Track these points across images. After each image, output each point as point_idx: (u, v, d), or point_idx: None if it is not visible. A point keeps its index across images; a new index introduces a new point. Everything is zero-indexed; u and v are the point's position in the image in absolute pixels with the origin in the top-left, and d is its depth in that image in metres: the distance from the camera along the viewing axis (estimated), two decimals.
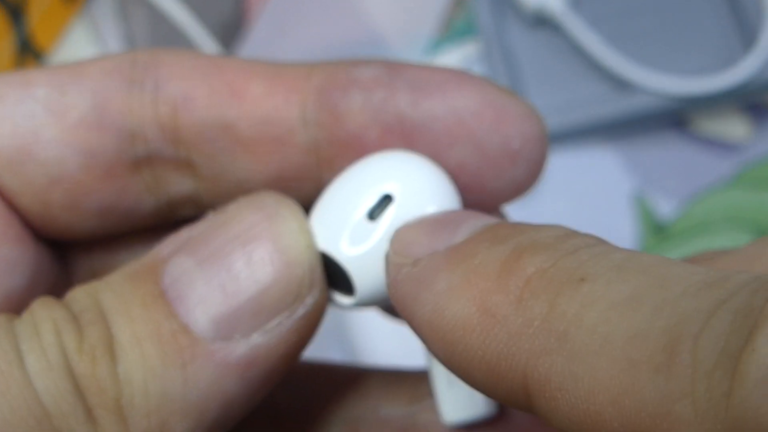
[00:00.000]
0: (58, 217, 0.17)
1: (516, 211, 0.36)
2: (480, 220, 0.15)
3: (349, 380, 0.19)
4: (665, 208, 0.36)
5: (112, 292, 0.15)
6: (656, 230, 0.36)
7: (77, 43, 0.40)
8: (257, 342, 0.15)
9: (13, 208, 0.17)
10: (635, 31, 0.39)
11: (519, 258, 0.13)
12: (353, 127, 0.16)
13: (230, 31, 0.41)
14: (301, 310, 0.15)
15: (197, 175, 0.17)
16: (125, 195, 0.17)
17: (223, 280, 0.15)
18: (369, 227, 0.16)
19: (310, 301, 0.15)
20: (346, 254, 0.16)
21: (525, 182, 0.17)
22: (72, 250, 0.18)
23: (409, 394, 0.19)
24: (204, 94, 0.16)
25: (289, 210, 0.16)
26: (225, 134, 0.17)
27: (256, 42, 0.39)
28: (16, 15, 0.37)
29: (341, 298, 0.16)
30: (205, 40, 0.40)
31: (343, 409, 0.19)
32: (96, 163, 0.17)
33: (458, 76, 0.16)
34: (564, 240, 0.13)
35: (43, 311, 0.15)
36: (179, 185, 0.17)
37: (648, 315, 0.11)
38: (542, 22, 0.39)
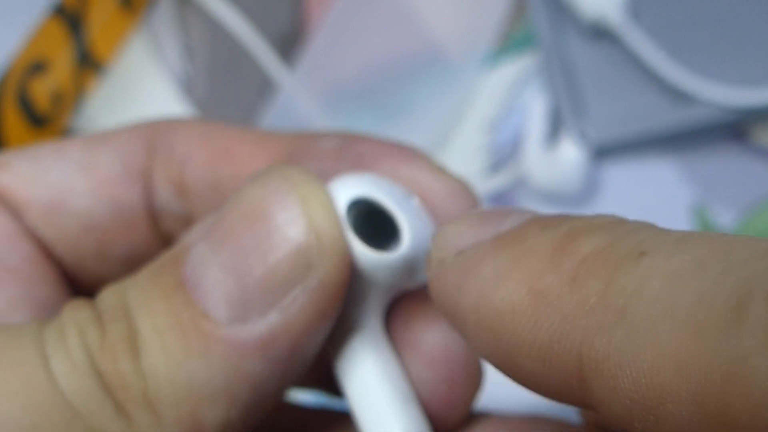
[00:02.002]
0: (88, 264, 0.18)
1: None
2: (528, 213, 0.15)
3: (334, 421, 0.19)
4: (725, 219, 0.36)
5: (136, 288, 0.15)
6: None
7: (137, 55, 0.41)
8: (275, 320, 0.15)
9: (50, 256, 0.18)
10: (695, 42, 0.39)
11: (574, 240, 0.13)
12: None
13: (289, 42, 0.41)
14: (314, 282, 0.15)
15: None
16: (146, 246, 0.19)
17: (235, 262, 0.15)
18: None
19: (321, 271, 0.15)
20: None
21: None
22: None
23: None
24: (204, 155, 0.18)
25: (295, 180, 0.16)
26: (216, 191, 0.18)
27: (315, 54, 0.40)
28: (76, 26, 0.38)
29: (383, 255, 0.16)
30: (264, 52, 0.40)
31: None
32: (122, 214, 0.18)
33: (399, 151, 0.17)
34: (620, 223, 0.13)
35: (70, 314, 0.15)
36: None
37: (714, 279, 0.11)
38: (601, 33, 0.39)
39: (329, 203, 0.16)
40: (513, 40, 0.41)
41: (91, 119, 0.40)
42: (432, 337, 0.17)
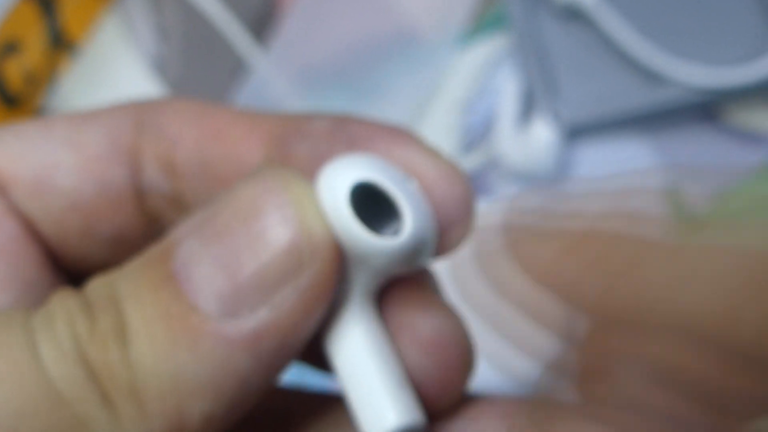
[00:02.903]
0: (74, 244, 0.18)
1: (539, 201, 0.37)
2: None
3: (328, 404, 0.19)
4: (697, 199, 0.36)
5: (126, 279, 0.16)
6: (688, 222, 0.36)
7: (109, 35, 0.41)
8: (264, 316, 0.15)
9: (35, 235, 0.18)
10: (667, 23, 0.39)
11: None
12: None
13: (262, 22, 0.41)
14: (304, 281, 0.15)
15: (187, 210, 0.18)
16: (132, 226, 0.19)
17: (226, 259, 0.15)
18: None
19: (312, 270, 0.15)
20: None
21: (449, 244, 0.17)
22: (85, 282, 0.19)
23: None
24: (194, 135, 0.18)
25: (288, 181, 0.16)
26: (207, 171, 0.18)
27: (289, 34, 0.40)
28: (48, 7, 0.38)
29: (383, 241, 0.16)
30: (237, 32, 0.40)
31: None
32: (108, 193, 0.18)
33: (392, 133, 0.17)
34: None
35: (59, 302, 0.15)
36: (173, 219, 0.18)
37: None
38: (574, 15, 0.39)
39: (320, 204, 0.16)
40: (486, 20, 0.41)
41: (64, 99, 0.40)
42: (427, 323, 0.17)
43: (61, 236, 0.18)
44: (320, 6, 0.41)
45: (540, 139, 0.37)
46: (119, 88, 0.40)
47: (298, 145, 0.18)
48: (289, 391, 0.19)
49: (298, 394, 0.19)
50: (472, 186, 0.17)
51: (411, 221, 0.16)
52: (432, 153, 0.17)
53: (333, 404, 0.18)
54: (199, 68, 0.41)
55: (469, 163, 0.39)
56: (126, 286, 0.15)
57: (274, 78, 0.40)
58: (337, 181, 0.16)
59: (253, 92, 0.40)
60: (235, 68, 0.41)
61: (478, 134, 0.40)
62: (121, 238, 0.19)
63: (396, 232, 0.16)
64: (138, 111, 0.19)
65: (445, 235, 0.17)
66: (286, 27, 0.40)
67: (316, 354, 0.18)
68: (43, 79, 0.39)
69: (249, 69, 0.41)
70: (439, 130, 0.40)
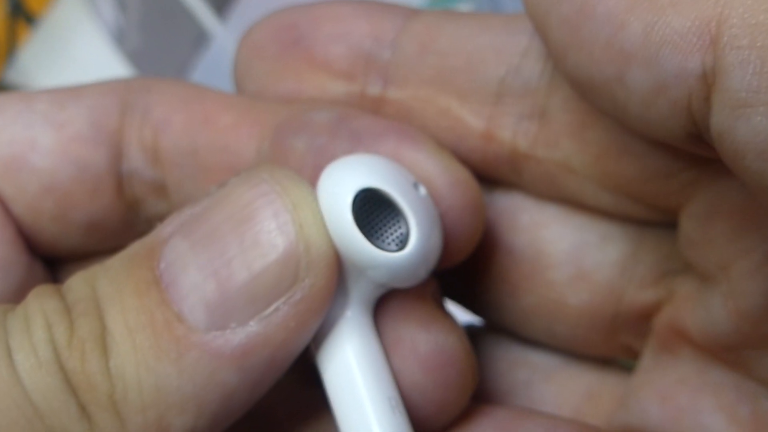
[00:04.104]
0: (47, 228, 0.18)
1: None
2: None
3: (314, 407, 0.18)
4: None
5: (107, 279, 0.15)
6: None
7: (69, 7, 0.40)
8: (254, 330, 0.15)
9: (7, 215, 0.18)
10: None
11: None
12: (292, 164, 0.16)
13: None
14: (299, 294, 0.15)
15: (169, 199, 0.18)
16: (110, 212, 0.18)
17: (216, 265, 0.15)
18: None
19: (308, 283, 0.15)
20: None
21: (455, 254, 0.17)
22: (59, 269, 0.17)
23: None
24: (181, 120, 0.18)
25: (285, 185, 0.15)
26: (192, 160, 0.17)
27: (247, 5, 0.39)
28: None
29: (386, 255, 0.15)
30: (197, 3, 0.39)
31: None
32: (86, 176, 0.18)
33: (397, 129, 0.17)
34: None
35: (36, 303, 0.15)
36: (154, 207, 0.18)
37: None
38: None
39: (320, 210, 0.15)
40: None
41: (22, 72, 0.39)
42: (428, 339, 0.16)
43: (34, 218, 0.18)
44: None
45: None
46: (79, 61, 0.39)
47: (294, 137, 0.17)
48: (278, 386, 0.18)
49: (282, 390, 0.18)
50: (482, 193, 0.17)
51: (417, 234, 0.15)
52: (442, 156, 0.16)
53: (319, 407, 0.18)
54: (159, 39, 0.40)
55: None
56: (108, 288, 0.15)
57: (234, 49, 0.39)
58: (340, 187, 0.15)
59: (213, 63, 0.39)
60: (196, 39, 0.40)
61: None
62: (97, 224, 0.18)
63: (398, 238, 0.16)
64: (124, 90, 0.18)
65: (451, 244, 0.16)
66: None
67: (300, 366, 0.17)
68: (1, 52, 0.39)
69: (208, 40, 0.40)
70: None
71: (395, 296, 0.16)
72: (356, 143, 0.16)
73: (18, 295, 0.16)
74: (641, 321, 0.17)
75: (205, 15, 0.39)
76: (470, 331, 0.18)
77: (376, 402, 0.15)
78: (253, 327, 0.14)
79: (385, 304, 0.16)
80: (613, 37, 0.13)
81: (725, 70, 0.12)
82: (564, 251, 0.18)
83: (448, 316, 0.17)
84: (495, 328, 0.19)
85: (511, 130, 0.17)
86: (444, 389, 0.16)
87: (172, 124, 0.18)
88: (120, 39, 0.40)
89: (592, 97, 0.14)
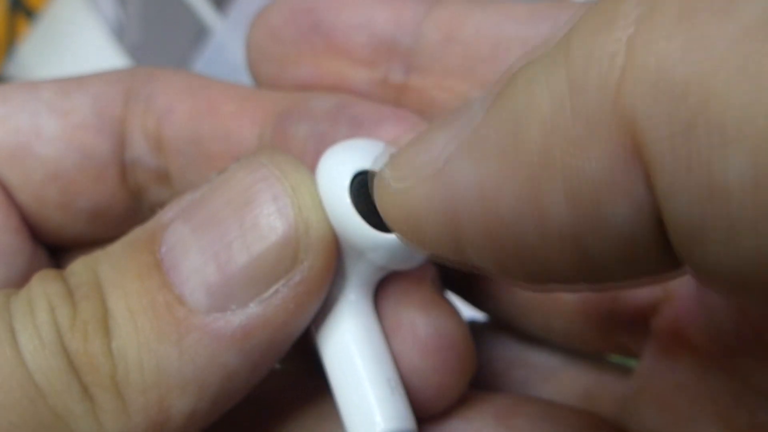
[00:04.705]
0: (51, 216, 0.18)
1: None
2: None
3: (311, 393, 0.19)
4: None
5: (109, 263, 0.15)
6: None
7: (69, 2, 0.40)
8: (254, 312, 0.15)
9: (12, 203, 0.18)
10: None
11: None
12: (294, 151, 0.16)
13: None
14: (298, 276, 0.15)
15: (172, 186, 0.18)
16: (114, 200, 0.18)
17: (216, 249, 0.15)
18: None
19: (307, 265, 0.15)
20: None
21: None
22: (63, 257, 0.17)
23: None
24: (185, 109, 0.18)
25: (285, 169, 0.15)
26: (195, 147, 0.17)
27: (248, 0, 0.39)
28: None
29: (384, 236, 0.15)
30: (198, 1, 0.40)
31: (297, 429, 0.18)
32: (91, 164, 0.18)
33: (397, 115, 0.17)
34: None
35: (39, 287, 0.15)
36: (158, 194, 0.18)
37: None
38: None
39: (318, 194, 0.15)
40: None
41: (22, 66, 0.40)
42: (428, 323, 0.16)
43: (38, 206, 0.18)
44: None
45: None
46: (79, 55, 0.40)
47: (296, 124, 0.17)
48: (274, 370, 0.19)
49: (283, 374, 0.19)
50: None
51: None
52: None
53: (319, 391, 0.18)
54: (159, 34, 0.40)
55: None
56: (110, 272, 0.15)
57: (232, 43, 0.39)
58: (338, 170, 0.15)
59: (212, 57, 0.40)
60: (196, 34, 0.40)
61: None
62: (101, 212, 0.18)
63: None
64: (129, 79, 0.18)
65: None
66: None
67: (300, 351, 0.17)
68: (1, 45, 0.39)
69: (208, 34, 0.40)
70: None
71: (395, 280, 0.16)
72: (356, 129, 0.16)
73: (22, 282, 0.16)
74: (638, 320, 0.17)
75: (204, 9, 0.39)
76: (471, 327, 0.18)
77: (375, 383, 0.15)
78: (253, 309, 0.14)
79: (385, 288, 0.16)
80: None
81: None
82: None
83: (447, 302, 0.17)
84: (495, 325, 0.19)
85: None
86: (443, 373, 0.16)
87: (175, 113, 0.18)
88: (120, 33, 0.40)
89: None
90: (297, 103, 0.17)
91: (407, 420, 0.16)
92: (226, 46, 0.40)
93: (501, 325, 0.19)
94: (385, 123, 0.17)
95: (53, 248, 0.18)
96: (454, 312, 0.17)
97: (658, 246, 0.11)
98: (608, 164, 0.11)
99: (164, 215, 0.15)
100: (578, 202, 0.11)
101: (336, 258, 0.15)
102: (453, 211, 0.12)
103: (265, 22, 0.18)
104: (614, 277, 0.12)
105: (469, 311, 0.18)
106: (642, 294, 0.17)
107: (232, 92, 0.18)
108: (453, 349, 0.16)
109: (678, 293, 0.17)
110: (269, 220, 0.14)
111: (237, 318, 0.14)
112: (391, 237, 0.15)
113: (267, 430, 0.18)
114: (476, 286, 0.18)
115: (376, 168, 0.15)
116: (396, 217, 0.14)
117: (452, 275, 0.18)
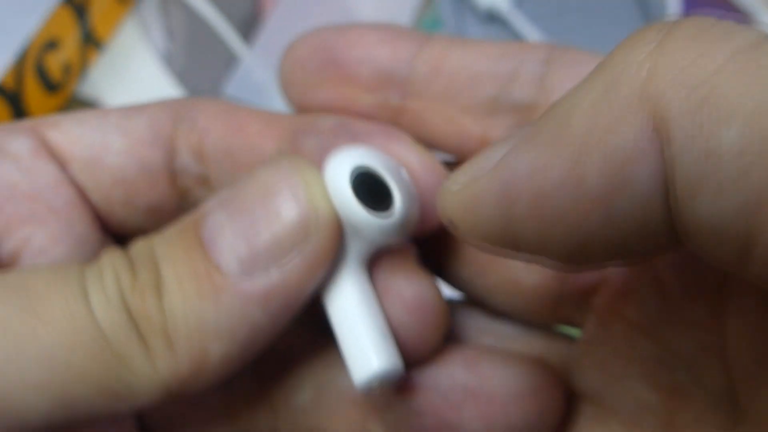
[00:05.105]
0: (117, 212, 0.18)
1: None
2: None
3: (320, 347, 0.19)
4: None
5: (162, 242, 0.16)
6: None
7: (129, 35, 0.42)
8: (275, 276, 0.15)
9: (87, 202, 0.18)
10: (564, 25, 0.41)
11: None
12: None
13: (249, 25, 0.42)
14: (309, 249, 0.15)
15: (211, 188, 0.18)
16: (165, 199, 0.19)
17: (246, 229, 0.15)
18: None
19: (315, 240, 0.15)
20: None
21: (428, 222, 0.17)
22: (125, 244, 0.18)
23: None
24: (220, 128, 0.18)
25: (300, 168, 0.16)
26: (229, 158, 0.18)
27: (269, 34, 0.41)
28: (81, 12, 0.39)
29: (378, 220, 0.16)
30: (228, 33, 0.41)
31: (307, 376, 0.19)
32: (147, 172, 0.18)
33: (384, 130, 0.17)
34: None
35: (107, 258, 0.15)
36: (200, 195, 0.18)
37: None
38: (493, 18, 0.41)
39: (325, 186, 0.16)
40: (424, 22, 0.43)
41: (92, 86, 0.41)
42: (411, 288, 0.17)
43: (107, 204, 0.18)
44: (294, 12, 0.42)
45: None
46: (136, 78, 0.41)
47: (307, 139, 0.17)
48: (292, 329, 0.19)
49: (299, 332, 0.19)
50: (445, 173, 0.17)
51: (400, 201, 0.16)
52: (419, 148, 0.17)
53: (326, 346, 0.18)
54: (199, 62, 0.41)
55: None
56: (163, 248, 0.15)
57: (257, 70, 0.40)
58: (341, 166, 0.16)
59: (241, 81, 0.40)
60: (227, 62, 0.41)
61: None
62: (156, 209, 0.19)
63: (386, 208, 0.16)
64: (176, 107, 0.18)
65: (425, 214, 0.17)
66: (267, 28, 0.42)
67: (311, 317, 0.18)
68: (76, 70, 0.40)
69: (238, 62, 0.41)
70: None
71: (385, 256, 0.17)
72: (353, 141, 0.17)
73: None
74: (582, 298, 0.17)
75: (235, 42, 0.41)
76: (449, 303, 0.18)
77: (371, 332, 0.16)
78: (274, 274, 0.15)
79: (378, 262, 0.17)
80: None
81: None
82: None
83: (426, 272, 0.17)
84: (468, 302, 0.19)
85: (502, 135, 0.17)
86: (423, 327, 0.17)
87: (213, 131, 0.18)
88: (168, 60, 0.41)
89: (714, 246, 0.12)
90: (307, 123, 0.18)
91: (397, 362, 0.16)
92: (252, 71, 0.41)
93: (473, 302, 0.19)
94: (375, 135, 0.17)
95: (118, 237, 0.19)
96: (432, 280, 0.17)
97: (664, 211, 0.12)
98: (635, 137, 0.11)
99: (205, 205, 0.16)
100: (610, 168, 0.12)
101: (339, 236, 0.16)
102: (507, 192, 0.12)
103: (292, 54, 0.18)
104: (628, 249, 0.12)
105: (447, 291, 0.18)
106: (585, 278, 0.17)
107: (256, 115, 0.18)
108: (431, 308, 0.17)
109: (613, 279, 0.17)
110: (287, 206, 0.15)
111: (261, 281, 0.15)
112: (383, 218, 0.16)
113: (285, 375, 0.18)
114: (453, 271, 0.19)
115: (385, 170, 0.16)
116: (456, 211, 0.14)
117: (436, 263, 0.18)
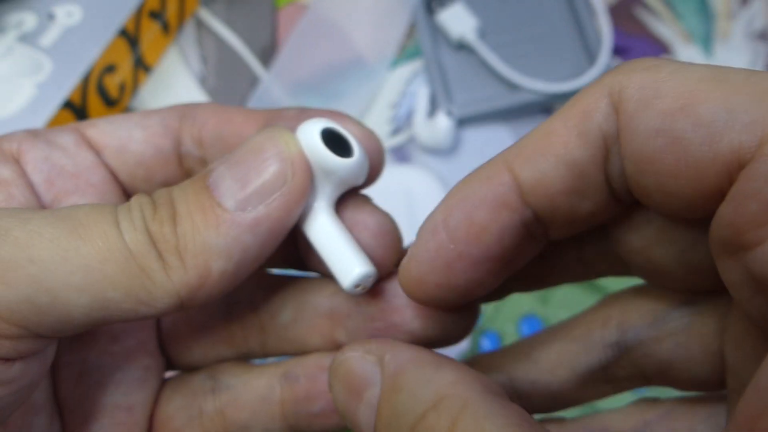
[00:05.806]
0: (139, 186, 0.20)
1: (440, 165, 0.37)
2: None
3: (294, 282, 0.20)
4: None
5: (178, 188, 0.17)
6: None
7: (171, 61, 0.45)
8: (262, 210, 0.16)
9: (116, 180, 0.20)
10: (520, 52, 0.44)
11: None
12: None
13: (267, 53, 0.45)
14: (287, 189, 0.16)
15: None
16: (175, 176, 0.20)
17: (241, 177, 0.16)
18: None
19: (292, 182, 0.16)
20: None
21: (374, 172, 0.19)
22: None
23: (333, 288, 0.20)
24: (214, 121, 0.20)
25: (281, 133, 0.17)
26: (221, 142, 0.20)
27: (283, 60, 0.44)
28: (133, 43, 0.43)
29: (344, 160, 0.17)
30: (251, 59, 0.45)
31: (288, 300, 0.20)
32: (161, 156, 0.20)
33: (337, 112, 0.19)
34: None
35: (135, 198, 0.17)
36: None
37: None
38: (462, 47, 0.45)
39: (300, 145, 0.17)
40: (407, 51, 0.46)
41: (142, 102, 0.44)
42: (372, 218, 0.18)
43: (131, 181, 0.20)
44: (304, 42, 0.44)
45: (441, 125, 0.42)
46: (177, 95, 0.44)
47: (277, 123, 0.19)
48: (277, 276, 0.21)
49: (282, 277, 0.21)
50: (381, 140, 0.20)
51: (358, 150, 0.17)
52: (359, 123, 0.19)
53: (303, 278, 0.20)
54: (227, 82, 0.44)
55: (397, 140, 0.43)
56: (179, 192, 0.17)
57: (274, 88, 0.43)
58: (313, 127, 0.17)
59: (261, 97, 0.43)
60: (250, 82, 0.44)
61: (402, 122, 0.44)
62: (168, 184, 0.20)
63: (346, 156, 0.17)
64: (181, 109, 0.20)
65: (371, 163, 0.19)
66: (282, 55, 0.44)
67: (295, 259, 0.20)
68: (129, 88, 0.43)
69: (258, 82, 0.44)
70: (379, 119, 0.44)
71: (347, 198, 0.18)
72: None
73: None
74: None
75: (256, 66, 0.44)
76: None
77: (348, 245, 0.17)
78: (261, 209, 0.16)
79: (342, 203, 0.18)
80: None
81: None
82: None
83: (381, 209, 0.19)
84: None
85: None
86: (385, 248, 0.18)
87: (209, 124, 0.20)
88: (202, 81, 0.44)
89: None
90: (276, 113, 0.20)
91: (372, 267, 0.17)
92: (270, 90, 0.43)
93: None
94: (329, 115, 0.19)
95: None
96: (387, 214, 0.19)
97: (616, 177, 0.14)
98: (604, 121, 0.14)
99: (211, 165, 0.17)
100: (588, 141, 0.14)
101: (309, 181, 0.17)
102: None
103: None
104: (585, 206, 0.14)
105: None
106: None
107: (240, 111, 0.20)
108: (391, 234, 0.19)
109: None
110: (272, 159, 0.16)
111: (251, 214, 0.16)
112: (347, 160, 0.17)
113: (271, 301, 0.20)
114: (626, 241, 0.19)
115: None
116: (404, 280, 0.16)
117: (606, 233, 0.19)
